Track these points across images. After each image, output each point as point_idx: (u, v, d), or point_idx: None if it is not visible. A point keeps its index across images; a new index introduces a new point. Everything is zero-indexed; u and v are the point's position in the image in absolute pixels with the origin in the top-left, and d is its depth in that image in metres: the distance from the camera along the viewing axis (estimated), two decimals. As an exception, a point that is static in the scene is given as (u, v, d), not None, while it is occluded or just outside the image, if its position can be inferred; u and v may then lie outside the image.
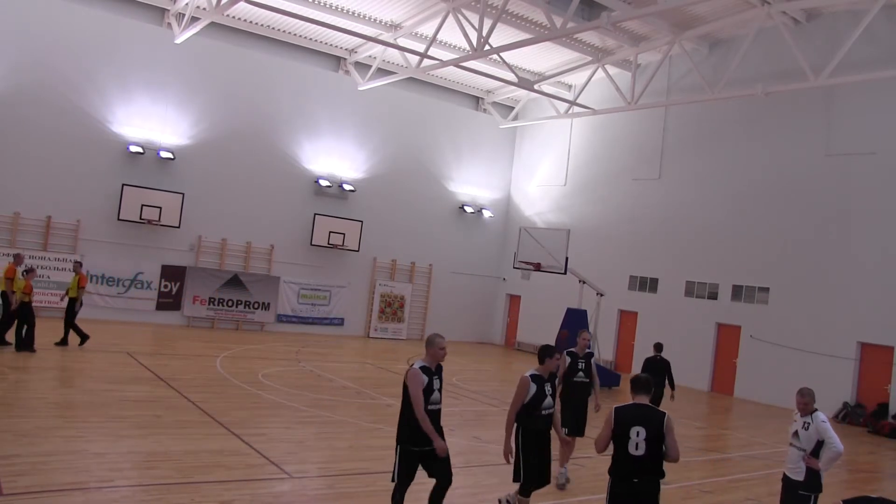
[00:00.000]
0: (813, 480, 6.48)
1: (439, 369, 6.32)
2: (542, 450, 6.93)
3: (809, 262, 18.83)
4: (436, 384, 6.21)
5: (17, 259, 15.11)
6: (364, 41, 22.41)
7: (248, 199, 22.65)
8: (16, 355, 13.71)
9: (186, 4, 20.11)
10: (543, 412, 6.89)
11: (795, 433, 6.62)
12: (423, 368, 6.15)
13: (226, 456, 8.57)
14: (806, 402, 6.58)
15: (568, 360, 9.29)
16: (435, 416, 6.21)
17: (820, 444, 6.43)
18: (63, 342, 15.17)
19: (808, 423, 6.50)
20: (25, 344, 14.13)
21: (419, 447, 6.15)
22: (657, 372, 13.39)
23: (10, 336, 14.36)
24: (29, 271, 14.72)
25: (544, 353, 7.03)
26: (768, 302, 19.65)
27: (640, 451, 5.52)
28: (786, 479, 6.70)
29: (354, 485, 8.14)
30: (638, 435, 5.53)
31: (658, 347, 13.95)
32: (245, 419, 10.68)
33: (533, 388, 6.83)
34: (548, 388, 6.95)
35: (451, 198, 27.21)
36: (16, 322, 14.23)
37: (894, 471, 13.30)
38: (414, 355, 21.32)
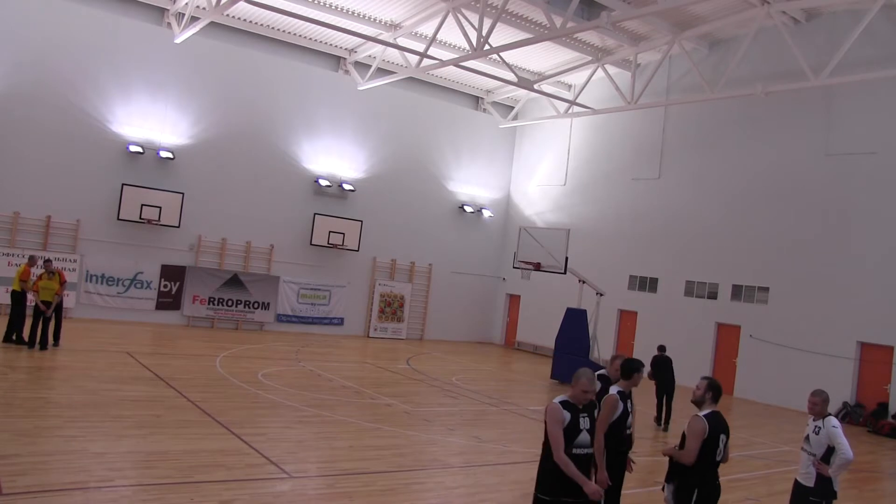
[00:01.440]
0: (824, 487, 6.25)
1: (590, 406, 5.41)
2: (621, 475, 6.48)
3: (809, 262, 18.83)
4: (583, 423, 5.29)
5: (31, 261, 15.23)
6: (364, 41, 22.41)
7: (248, 199, 22.65)
8: (17, 355, 13.73)
9: (186, 4, 20.11)
10: (627, 431, 6.45)
11: (807, 437, 6.43)
12: (564, 403, 5.28)
13: (226, 456, 8.56)
14: (816, 404, 6.39)
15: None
16: (582, 463, 5.26)
17: (831, 450, 6.22)
18: (56, 342, 15.10)
19: (820, 428, 6.30)
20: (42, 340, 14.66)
21: (566, 497, 5.20)
22: (667, 368, 14.59)
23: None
24: (51, 273, 14.96)
25: (630, 367, 6.49)
26: (768, 302, 19.66)
27: (720, 457, 5.74)
28: (796, 485, 6.47)
29: (354, 484, 8.14)
30: (722, 441, 5.71)
31: (662, 348, 15.03)
32: (245, 419, 10.68)
33: (620, 406, 6.33)
34: (629, 405, 6.49)
35: (450, 197, 27.21)
36: (41, 320, 14.56)
37: (894, 470, 13.31)
38: (413, 355, 21.35)
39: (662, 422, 14.45)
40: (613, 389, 6.47)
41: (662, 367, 14.70)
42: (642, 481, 8.99)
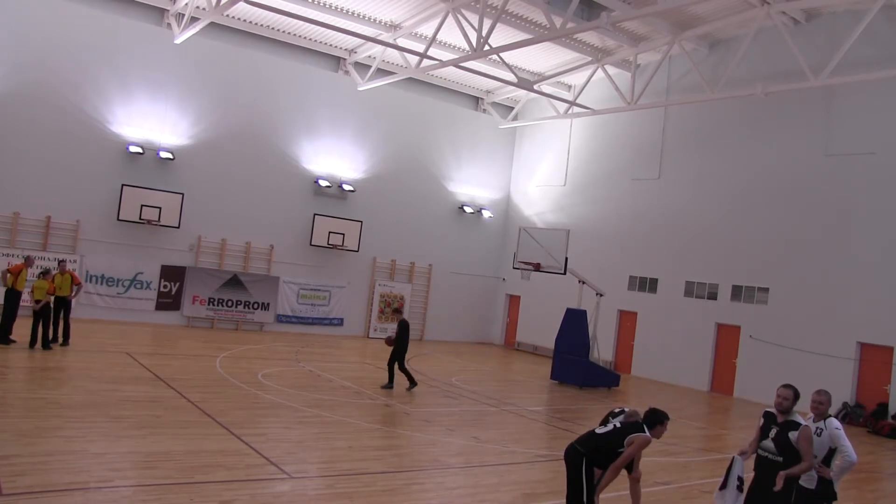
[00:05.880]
0: (825, 489, 6.19)
1: None
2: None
3: (809, 262, 18.83)
4: None
5: (28, 261, 15.42)
6: (364, 41, 22.40)
7: (247, 199, 22.65)
8: (17, 355, 13.72)
9: (186, 4, 20.12)
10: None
11: None
12: None
13: (226, 456, 8.57)
14: (822, 403, 6.32)
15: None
16: None
17: (832, 452, 6.16)
18: (65, 342, 15.29)
19: (821, 430, 6.22)
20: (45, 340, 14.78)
21: None
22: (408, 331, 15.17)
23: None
24: (45, 273, 15.14)
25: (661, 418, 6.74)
26: (768, 302, 19.65)
27: None
28: (796, 487, 6.37)
29: (354, 485, 8.14)
30: None
31: (400, 311, 15.89)
32: (245, 419, 10.68)
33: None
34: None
35: (450, 198, 27.21)
36: (40, 321, 14.70)
37: (894, 471, 13.31)
38: (413, 355, 21.34)
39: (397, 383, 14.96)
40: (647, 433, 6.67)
41: (405, 332, 15.13)
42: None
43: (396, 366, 14.92)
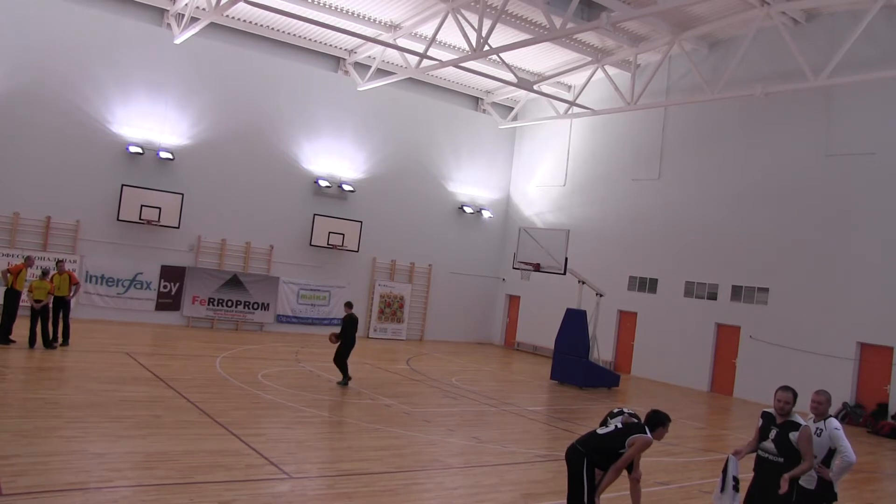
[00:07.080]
0: (825, 489, 6.17)
1: None
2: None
3: (809, 262, 18.83)
4: None
5: (28, 261, 15.48)
6: (363, 41, 22.40)
7: (247, 199, 22.65)
8: (17, 355, 13.72)
9: (186, 5, 20.12)
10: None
11: None
12: None
13: (226, 456, 8.56)
14: (821, 403, 6.30)
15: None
16: None
17: (831, 452, 6.14)
18: (66, 341, 15.30)
19: (821, 430, 6.19)
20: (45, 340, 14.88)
21: None
22: (355, 327, 15.01)
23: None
24: (45, 274, 15.30)
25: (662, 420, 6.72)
26: (768, 302, 19.65)
27: None
28: (797, 487, 6.35)
29: (354, 485, 8.14)
30: None
31: (350, 305, 15.40)
32: (244, 419, 10.68)
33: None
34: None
35: (450, 198, 27.21)
36: (38, 320, 14.78)
37: (894, 471, 13.31)
38: (413, 355, 21.37)
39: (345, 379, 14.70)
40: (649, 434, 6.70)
41: (354, 328, 14.98)
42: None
43: (343, 359, 14.73)
